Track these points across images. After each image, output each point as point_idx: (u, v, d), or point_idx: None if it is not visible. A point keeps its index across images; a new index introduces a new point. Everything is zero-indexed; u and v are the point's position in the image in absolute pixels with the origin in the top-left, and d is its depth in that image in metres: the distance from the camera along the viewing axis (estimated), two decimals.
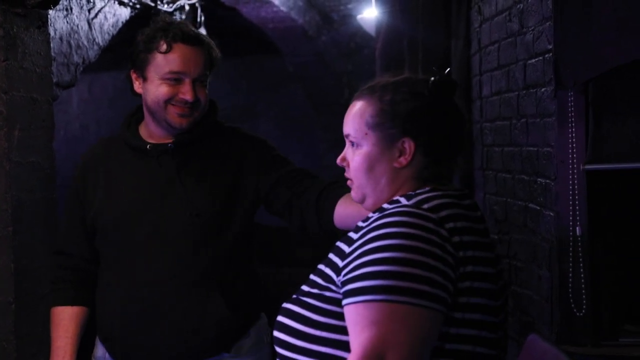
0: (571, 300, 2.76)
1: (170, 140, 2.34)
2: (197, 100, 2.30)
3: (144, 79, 2.32)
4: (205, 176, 2.34)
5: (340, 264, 1.65)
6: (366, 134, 1.75)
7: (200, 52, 2.32)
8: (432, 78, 1.73)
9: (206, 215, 2.29)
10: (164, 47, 2.29)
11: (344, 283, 1.60)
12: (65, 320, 2.41)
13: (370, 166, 1.75)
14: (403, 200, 1.68)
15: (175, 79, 2.29)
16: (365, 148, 1.75)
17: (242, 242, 2.37)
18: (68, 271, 2.44)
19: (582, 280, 2.75)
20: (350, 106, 1.81)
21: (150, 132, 2.38)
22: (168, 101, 2.29)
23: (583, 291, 2.75)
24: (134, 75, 2.35)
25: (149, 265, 2.29)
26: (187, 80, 2.29)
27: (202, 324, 2.28)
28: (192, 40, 2.32)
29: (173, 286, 2.27)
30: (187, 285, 2.28)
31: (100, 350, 2.42)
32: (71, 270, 2.43)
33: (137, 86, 2.35)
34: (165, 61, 2.29)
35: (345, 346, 1.61)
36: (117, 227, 2.34)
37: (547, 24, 2.90)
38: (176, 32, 2.30)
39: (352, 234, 1.69)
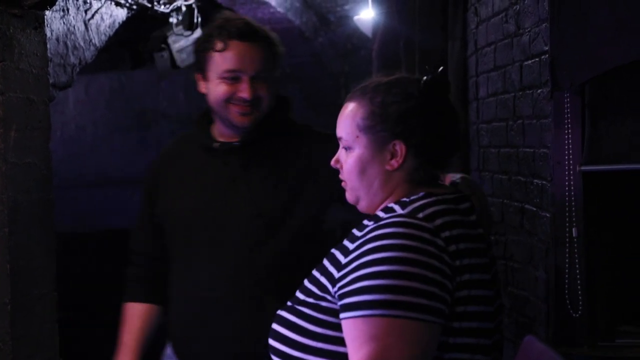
0: (567, 301, 2.76)
1: (237, 139, 2.30)
2: (257, 98, 2.25)
3: (206, 79, 2.29)
4: (270, 175, 2.29)
5: (336, 274, 1.64)
6: (357, 136, 1.73)
7: (258, 48, 2.26)
8: (424, 77, 1.70)
9: (268, 215, 2.25)
10: (219, 45, 2.25)
11: (341, 296, 1.59)
12: (134, 318, 2.38)
13: (362, 169, 1.73)
14: (398, 209, 1.66)
15: (233, 78, 2.24)
16: (357, 151, 1.73)
17: (306, 245, 2.29)
18: (138, 269, 2.41)
19: (578, 282, 2.76)
20: (343, 107, 1.79)
21: (219, 131, 2.35)
22: (228, 100, 2.25)
23: (579, 292, 2.75)
24: (198, 76, 2.32)
25: (209, 266, 2.26)
26: (245, 78, 2.24)
27: (257, 328, 2.16)
28: (248, 36, 2.26)
29: (230, 288, 2.23)
30: (244, 287, 2.23)
31: (169, 349, 2.40)
32: (141, 268, 2.40)
33: (202, 86, 2.31)
34: (222, 60, 2.24)
35: (341, 357, 1.60)
36: (182, 226, 2.31)
37: (544, 25, 2.90)
38: (231, 29, 2.25)
39: (347, 243, 1.68)
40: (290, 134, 2.37)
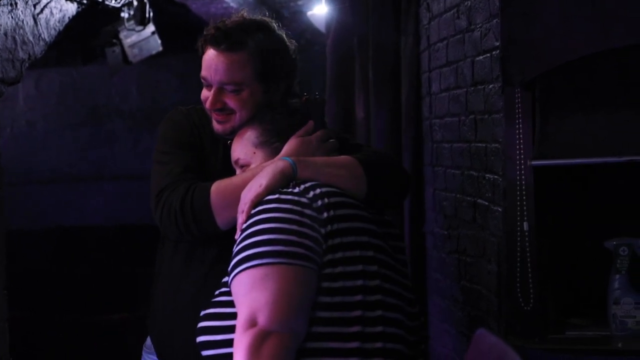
0: (519, 295, 2.79)
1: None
2: (224, 108, 2.16)
3: None
4: None
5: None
6: (254, 152, 2.01)
7: (225, 57, 2.15)
8: (305, 96, 2.06)
9: None
10: (201, 50, 2.21)
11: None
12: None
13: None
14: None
15: (207, 85, 2.19)
16: (254, 165, 2.00)
17: None
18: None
19: (530, 275, 2.79)
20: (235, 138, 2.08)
21: None
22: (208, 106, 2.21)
23: (530, 285, 2.78)
24: None
25: (198, 261, 2.20)
26: (214, 86, 2.17)
27: None
28: (219, 42, 2.15)
29: (216, 286, 2.13)
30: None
31: (149, 340, 2.36)
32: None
33: None
34: (202, 64, 2.20)
35: None
36: None
37: (494, 20, 2.92)
38: (208, 34, 2.18)
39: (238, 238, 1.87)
40: None
